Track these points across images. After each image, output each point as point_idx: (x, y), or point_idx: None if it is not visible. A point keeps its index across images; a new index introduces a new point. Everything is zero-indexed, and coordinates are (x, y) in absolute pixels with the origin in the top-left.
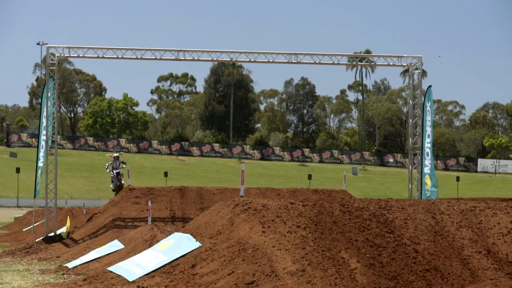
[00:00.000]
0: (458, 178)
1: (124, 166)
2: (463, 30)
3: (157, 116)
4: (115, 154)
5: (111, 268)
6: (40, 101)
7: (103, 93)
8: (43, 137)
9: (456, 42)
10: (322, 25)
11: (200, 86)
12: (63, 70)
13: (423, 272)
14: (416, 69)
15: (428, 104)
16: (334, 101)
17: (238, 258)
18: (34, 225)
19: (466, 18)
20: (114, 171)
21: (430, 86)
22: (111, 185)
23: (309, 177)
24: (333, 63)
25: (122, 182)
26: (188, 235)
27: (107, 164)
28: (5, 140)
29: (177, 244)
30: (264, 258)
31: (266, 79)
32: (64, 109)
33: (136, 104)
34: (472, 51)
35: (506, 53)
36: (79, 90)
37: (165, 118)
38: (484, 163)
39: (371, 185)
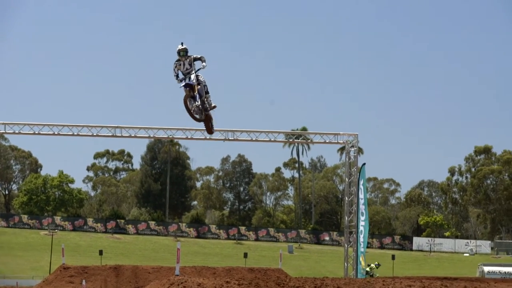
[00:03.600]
0: (393, 257)
1: (204, 65)
2: (400, 107)
3: (92, 193)
4: (180, 46)
5: None
6: None
7: (39, 169)
8: None
9: (393, 118)
10: (258, 102)
11: (136, 163)
12: None
13: None
14: (352, 146)
15: (361, 182)
16: (271, 178)
17: None
18: None
19: (401, 97)
20: (185, 81)
21: (364, 164)
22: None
23: (245, 255)
24: (270, 140)
25: (207, 101)
26: None
27: (174, 70)
28: None
29: None
30: None
31: (203, 156)
32: None
33: (72, 181)
34: (409, 129)
35: (441, 131)
36: (14, 167)
37: (101, 195)
38: (419, 242)
39: (307, 264)
